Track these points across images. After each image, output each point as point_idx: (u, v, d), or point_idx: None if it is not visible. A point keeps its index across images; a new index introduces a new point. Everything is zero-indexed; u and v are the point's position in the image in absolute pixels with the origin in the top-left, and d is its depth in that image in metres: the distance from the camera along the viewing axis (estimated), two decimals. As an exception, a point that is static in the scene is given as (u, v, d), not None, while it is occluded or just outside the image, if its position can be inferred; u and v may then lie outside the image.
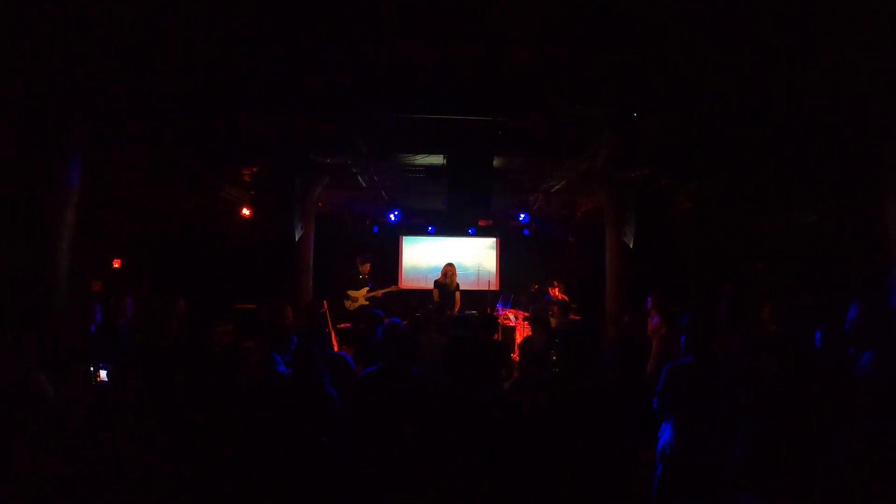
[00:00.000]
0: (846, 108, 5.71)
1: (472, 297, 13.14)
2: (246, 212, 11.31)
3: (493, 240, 15.47)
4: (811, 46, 5.26)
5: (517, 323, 11.52)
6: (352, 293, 11.53)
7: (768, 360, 4.35)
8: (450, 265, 11.45)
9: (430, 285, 11.80)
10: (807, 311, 7.31)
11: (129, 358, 3.06)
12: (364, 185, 11.72)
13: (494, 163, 9.70)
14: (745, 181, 8.78)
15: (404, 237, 15.36)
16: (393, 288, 12.19)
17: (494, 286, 14.48)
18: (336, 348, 10.01)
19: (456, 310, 11.22)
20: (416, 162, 10.47)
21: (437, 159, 9.94)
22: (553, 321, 8.71)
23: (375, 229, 13.82)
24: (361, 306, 11.40)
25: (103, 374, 2.91)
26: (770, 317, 6.62)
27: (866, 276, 6.60)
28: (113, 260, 10.53)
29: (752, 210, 9.61)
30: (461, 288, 11.67)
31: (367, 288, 11.52)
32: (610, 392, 3.90)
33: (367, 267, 11.72)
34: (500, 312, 11.97)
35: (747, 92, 6.37)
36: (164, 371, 3.31)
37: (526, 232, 13.97)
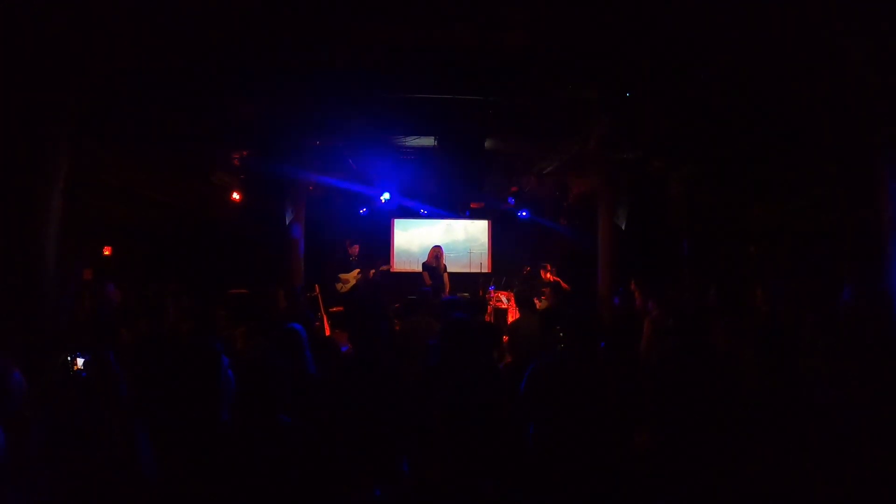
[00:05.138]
0: (840, 92, 5.70)
1: (465, 279, 13.13)
2: (236, 196, 11.24)
3: (485, 222, 15.44)
4: (806, 32, 5.23)
5: (509, 305, 11.53)
6: (343, 276, 11.50)
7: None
8: (437, 247, 11.43)
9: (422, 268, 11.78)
10: (799, 294, 7.34)
11: (109, 347, 3.02)
12: (355, 167, 11.65)
13: (486, 144, 9.66)
14: (739, 164, 8.77)
15: (396, 220, 15.30)
16: (383, 268, 12.19)
17: (486, 268, 14.47)
18: (328, 332, 10.01)
19: (447, 291, 11.23)
20: (408, 143, 10.41)
21: (429, 141, 9.89)
22: (538, 303, 8.72)
23: (365, 212, 13.73)
24: (353, 288, 11.40)
25: (80, 362, 2.86)
26: (761, 298, 6.64)
27: (858, 260, 6.63)
28: (104, 247, 10.45)
29: (745, 194, 9.61)
30: (453, 270, 11.69)
31: (358, 270, 11.49)
32: (610, 373, 3.91)
33: (356, 249, 11.70)
34: (492, 295, 11.98)
35: (742, 76, 6.35)
36: (159, 361, 3.29)
37: (521, 214, 13.94)
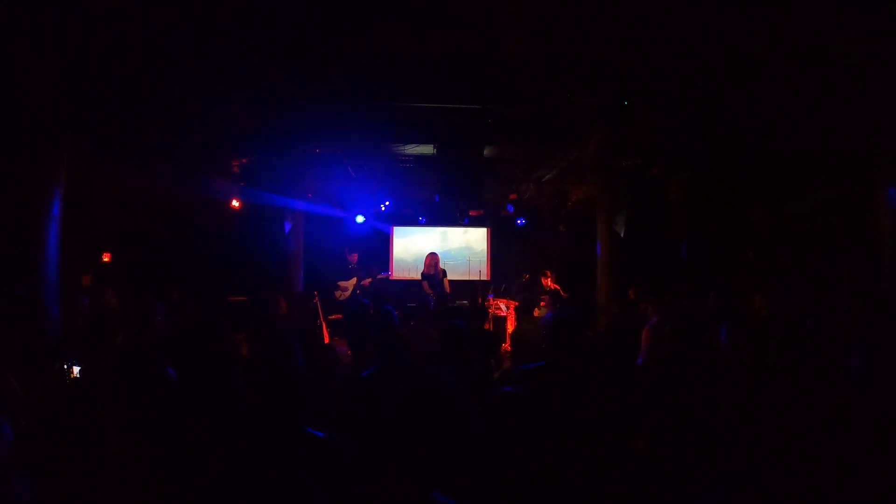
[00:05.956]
0: (839, 97, 5.70)
1: (463, 286, 13.11)
2: (235, 204, 11.24)
3: (484, 229, 15.45)
4: (805, 37, 5.24)
5: (508, 313, 11.52)
6: (342, 283, 11.49)
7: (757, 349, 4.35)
8: (432, 254, 11.42)
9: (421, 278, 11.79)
10: (798, 300, 7.34)
11: (106, 353, 3.01)
12: (354, 175, 11.66)
13: (485, 152, 9.66)
14: (738, 171, 8.77)
15: (395, 227, 15.30)
16: (381, 276, 12.17)
17: (486, 276, 14.46)
18: (327, 340, 10.00)
19: (447, 292, 11.24)
20: (407, 152, 10.42)
21: (428, 149, 9.90)
22: (536, 311, 8.74)
23: (364, 220, 13.70)
24: (352, 295, 11.38)
25: (76, 370, 2.86)
26: (762, 303, 6.63)
27: (858, 266, 6.63)
28: (103, 254, 10.45)
29: (744, 200, 9.61)
30: (452, 278, 11.69)
31: (357, 278, 11.48)
32: (598, 380, 3.88)
33: (356, 257, 11.69)
34: (491, 302, 11.96)
35: (740, 82, 6.36)
36: (152, 366, 3.26)
37: (519, 221, 13.94)
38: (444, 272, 11.40)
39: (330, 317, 10.74)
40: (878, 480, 2.99)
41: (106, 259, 10.43)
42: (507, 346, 9.89)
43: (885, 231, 5.29)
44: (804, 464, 3.22)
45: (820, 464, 3.21)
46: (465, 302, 11.71)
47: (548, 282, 11.81)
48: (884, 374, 3.54)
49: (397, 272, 14.92)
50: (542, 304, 10.30)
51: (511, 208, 13.28)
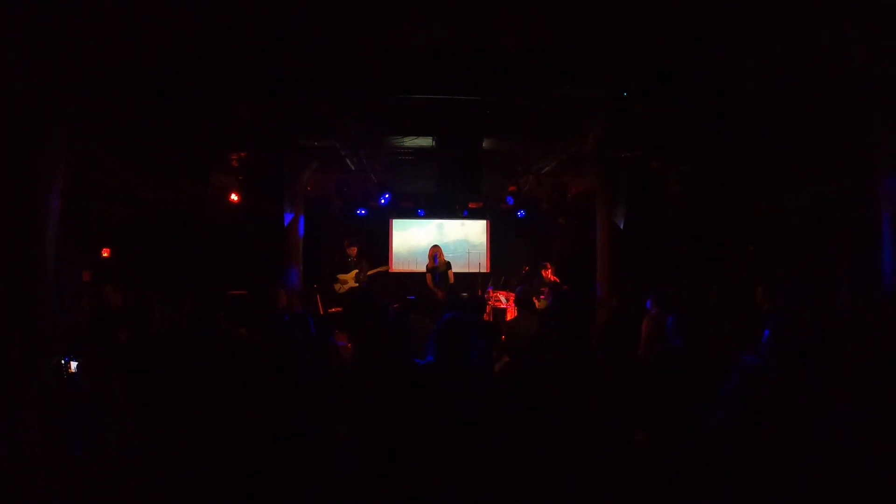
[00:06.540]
0: (839, 91, 5.70)
1: (463, 279, 13.13)
2: (234, 197, 11.22)
3: (484, 222, 15.44)
4: (805, 30, 5.23)
5: (508, 305, 11.53)
6: (341, 276, 11.49)
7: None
8: (434, 247, 11.52)
9: (422, 268, 11.81)
10: (798, 293, 7.36)
11: (104, 350, 3.01)
12: (353, 168, 11.65)
13: (484, 145, 9.65)
14: (738, 164, 8.77)
15: (394, 220, 15.29)
16: (382, 268, 12.18)
17: (485, 268, 14.46)
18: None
19: (451, 283, 11.29)
20: (406, 144, 10.41)
21: (427, 141, 9.89)
22: (536, 303, 8.73)
23: (363, 213, 13.66)
24: (351, 288, 11.39)
25: (73, 366, 2.86)
26: (763, 296, 6.65)
27: (856, 260, 6.64)
28: (102, 249, 10.45)
29: (744, 193, 9.61)
30: (453, 270, 11.75)
31: (356, 271, 11.48)
32: (602, 373, 3.90)
33: (355, 250, 11.68)
34: (491, 294, 11.97)
35: (740, 75, 6.35)
36: (154, 363, 3.28)
37: (519, 214, 13.93)
38: (447, 264, 11.45)
39: (330, 310, 10.75)
40: (876, 478, 3.01)
41: (105, 255, 10.43)
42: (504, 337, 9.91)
43: (883, 223, 5.29)
44: (801, 459, 3.23)
45: (817, 459, 3.22)
46: (465, 294, 11.73)
47: (547, 274, 11.82)
48: (882, 368, 3.56)
49: (396, 265, 14.93)
50: (542, 296, 10.32)
51: (511, 200, 13.28)
